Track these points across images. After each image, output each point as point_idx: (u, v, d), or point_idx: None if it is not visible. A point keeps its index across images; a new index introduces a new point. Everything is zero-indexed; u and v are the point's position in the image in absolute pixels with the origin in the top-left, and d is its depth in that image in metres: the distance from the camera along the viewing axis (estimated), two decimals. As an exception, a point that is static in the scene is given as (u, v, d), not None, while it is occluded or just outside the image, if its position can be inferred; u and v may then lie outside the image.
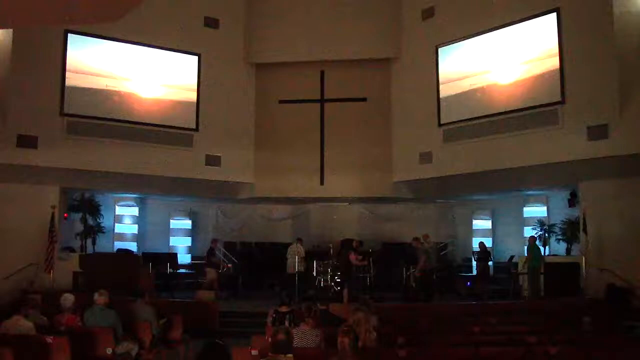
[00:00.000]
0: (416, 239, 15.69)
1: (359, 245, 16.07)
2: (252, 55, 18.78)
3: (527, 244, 15.23)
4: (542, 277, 14.71)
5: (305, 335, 7.21)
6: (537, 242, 15.58)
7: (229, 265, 17.40)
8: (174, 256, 17.52)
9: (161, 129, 17.27)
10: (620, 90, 13.50)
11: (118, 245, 18.07)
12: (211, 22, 18.26)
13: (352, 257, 15.03)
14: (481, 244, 16.77)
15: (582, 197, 14.66)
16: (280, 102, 18.81)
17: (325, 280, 15.81)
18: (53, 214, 14.97)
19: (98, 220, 17.69)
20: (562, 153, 14.40)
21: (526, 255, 15.16)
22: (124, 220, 18.86)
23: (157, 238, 19.30)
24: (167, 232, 19.62)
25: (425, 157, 17.42)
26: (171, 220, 19.71)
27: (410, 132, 17.84)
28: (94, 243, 17.53)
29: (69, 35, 16.06)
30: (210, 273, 16.18)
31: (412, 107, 17.87)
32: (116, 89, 16.78)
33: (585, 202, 14.37)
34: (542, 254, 15.37)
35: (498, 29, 15.93)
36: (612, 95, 13.58)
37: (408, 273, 16.04)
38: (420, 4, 17.72)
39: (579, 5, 14.30)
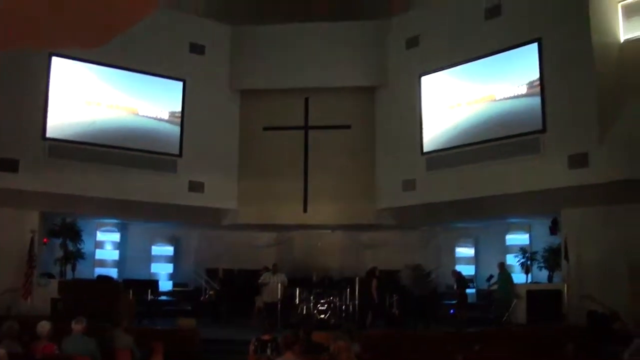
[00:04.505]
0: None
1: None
2: (237, 82, 18.84)
3: (498, 271, 15.31)
4: (514, 304, 14.84)
5: (288, 364, 7.10)
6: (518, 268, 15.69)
7: (212, 292, 17.24)
8: (155, 283, 17.34)
9: (145, 154, 17.17)
10: (599, 119, 13.67)
11: (98, 271, 17.79)
12: (197, 48, 18.29)
13: (374, 284, 15.40)
14: (455, 273, 16.78)
15: (564, 224, 14.74)
16: (265, 129, 18.76)
17: (309, 308, 15.70)
18: (32, 238, 14.78)
19: (78, 245, 17.47)
20: (543, 181, 14.48)
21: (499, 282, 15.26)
22: (105, 246, 18.65)
23: (139, 264, 19.02)
24: (149, 258, 19.41)
25: (409, 185, 17.41)
26: (153, 247, 19.52)
27: (393, 160, 17.90)
28: (73, 269, 17.27)
29: (53, 58, 16.01)
30: None
31: (396, 135, 17.96)
32: (100, 113, 16.72)
33: (566, 229, 14.44)
34: (513, 280, 15.39)
35: (481, 58, 16.11)
36: (592, 124, 13.75)
37: (391, 300, 16.03)
38: (404, 33, 17.87)
39: (559, 36, 14.52)
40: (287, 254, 19.85)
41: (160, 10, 16.53)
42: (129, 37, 14.48)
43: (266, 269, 16.54)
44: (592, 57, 13.79)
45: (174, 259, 19.86)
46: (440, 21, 17.12)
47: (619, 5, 14.19)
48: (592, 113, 13.77)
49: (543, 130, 14.68)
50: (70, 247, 17.28)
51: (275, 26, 18.72)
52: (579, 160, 13.89)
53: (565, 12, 14.39)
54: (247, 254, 19.93)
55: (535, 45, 14.92)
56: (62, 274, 17.01)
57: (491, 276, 15.81)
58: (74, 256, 17.30)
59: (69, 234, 17.27)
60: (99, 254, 18.48)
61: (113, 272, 18.02)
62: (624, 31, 14.11)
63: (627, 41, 14.02)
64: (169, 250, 19.74)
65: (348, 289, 16.03)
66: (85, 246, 17.74)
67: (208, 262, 19.60)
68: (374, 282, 15.71)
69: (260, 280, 15.96)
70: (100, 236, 18.63)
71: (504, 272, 15.36)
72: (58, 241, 17.29)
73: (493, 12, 15.78)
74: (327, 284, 16.88)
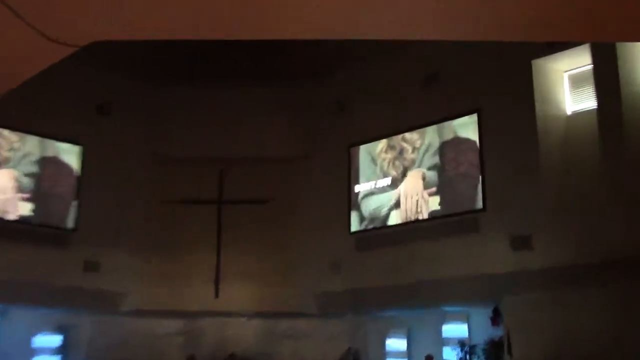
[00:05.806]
0: None
1: None
2: (145, 148, 17.69)
3: None
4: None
5: None
6: None
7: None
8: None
9: (31, 227, 15.73)
10: (544, 198, 13.12)
11: (-36, 369, 15.36)
12: (102, 110, 16.98)
13: None
14: None
15: (506, 313, 13.73)
16: (173, 202, 17.54)
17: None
18: None
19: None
20: (483, 265, 13.70)
21: None
22: (-25, 337, 16.16)
23: (17, 358, 16.57)
24: (30, 351, 16.93)
25: (335, 268, 16.48)
26: (36, 337, 17.10)
27: (318, 239, 16.91)
28: None
29: None
30: None
31: (322, 212, 17.09)
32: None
33: (509, 319, 13.44)
34: None
35: (416, 128, 15.62)
36: (536, 203, 13.14)
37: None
38: (331, 100, 17.23)
39: (501, 108, 14.06)
40: (195, 345, 18.08)
41: (62, 63, 14.98)
42: (21, 96, 13.16)
43: None
44: (535, 130, 13.37)
45: (62, 351, 17.54)
46: (371, 87, 16.60)
47: (565, 74, 13.98)
48: (536, 191, 13.22)
49: (483, 209, 14.08)
50: None
51: (189, 88, 17.75)
52: (522, 242, 13.27)
53: (507, 80, 14.00)
54: (150, 344, 18.04)
55: (474, 116, 14.51)
56: None
57: None
58: None
59: None
60: (-33, 346, 15.95)
61: (-17, 369, 15.60)
62: (571, 103, 13.88)
63: (574, 113, 13.75)
64: (55, 340, 17.44)
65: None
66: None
67: (103, 354, 17.43)
68: None
69: None
70: (-31, 324, 16.15)
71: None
72: None
73: (430, 80, 15.41)
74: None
